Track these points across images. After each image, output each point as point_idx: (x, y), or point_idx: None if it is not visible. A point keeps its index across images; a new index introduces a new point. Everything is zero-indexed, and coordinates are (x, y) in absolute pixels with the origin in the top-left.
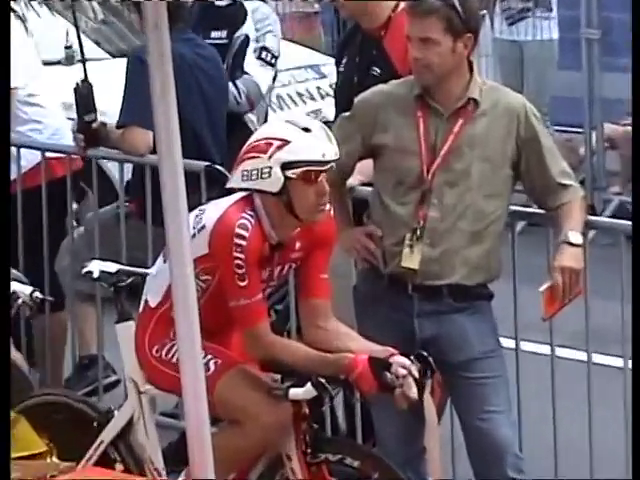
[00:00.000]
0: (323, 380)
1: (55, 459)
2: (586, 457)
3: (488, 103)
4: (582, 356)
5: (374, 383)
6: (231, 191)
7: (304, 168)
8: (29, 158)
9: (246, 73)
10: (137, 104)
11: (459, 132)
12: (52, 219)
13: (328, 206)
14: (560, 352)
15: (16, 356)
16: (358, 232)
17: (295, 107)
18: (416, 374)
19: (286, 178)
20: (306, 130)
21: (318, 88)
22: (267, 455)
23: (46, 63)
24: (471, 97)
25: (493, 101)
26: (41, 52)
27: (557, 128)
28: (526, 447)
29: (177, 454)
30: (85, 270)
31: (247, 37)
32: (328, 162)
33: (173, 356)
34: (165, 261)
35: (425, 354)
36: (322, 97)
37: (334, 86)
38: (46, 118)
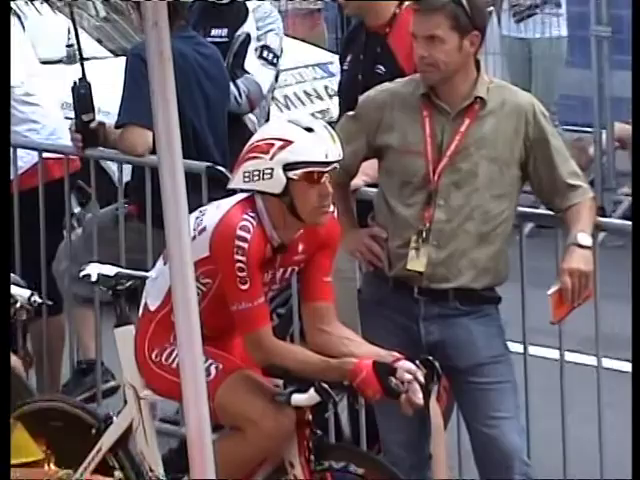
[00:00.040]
0: (326, 385)
1: (53, 466)
2: (596, 464)
3: (495, 102)
4: (592, 361)
5: (379, 388)
6: (232, 192)
7: (306, 169)
8: (26, 159)
9: (247, 72)
10: (136, 103)
11: (466, 132)
12: (49, 221)
13: (332, 207)
14: (569, 357)
15: (14, 361)
16: (363, 234)
17: (302, 107)
18: (422, 379)
19: (288, 179)
20: (309, 130)
21: (326, 87)
22: (269, 462)
23: (47, 62)
24: (478, 96)
25: (500, 100)
26: (42, 50)
27: (566, 127)
28: (534, 454)
29: (177, 461)
30: (83, 273)
31: (248, 35)
32: (331, 163)
33: (173, 361)
34: (165, 264)
35: (431, 359)
36: (330, 96)
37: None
38: (43, 117)
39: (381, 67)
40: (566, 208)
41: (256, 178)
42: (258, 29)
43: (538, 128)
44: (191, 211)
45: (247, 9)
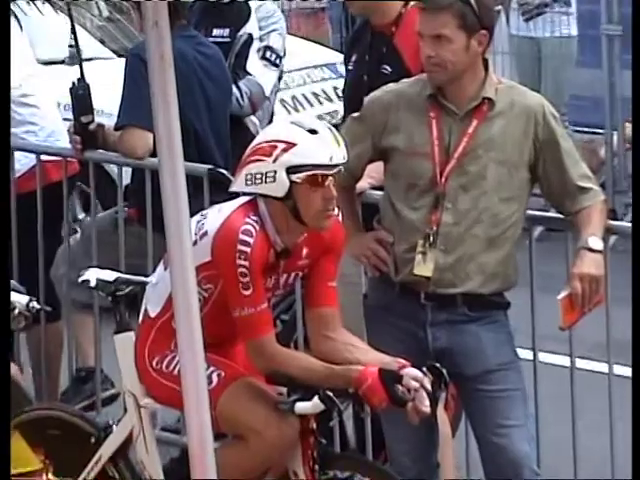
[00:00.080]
0: (331, 393)
1: (51, 476)
2: (607, 472)
3: (504, 103)
4: (603, 367)
5: (385, 396)
6: (234, 195)
7: (310, 172)
8: (23, 161)
9: (249, 74)
10: (136, 104)
11: (474, 133)
12: (48, 225)
13: (336, 211)
14: (580, 363)
15: (12, 369)
16: (368, 238)
17: (311, 108)
18: (429, 387)
19: (291, 182)
20: (312, 132)
21: (335, 88)
22: (273, 472)
23: (49, 62)
24: (486, 97)
25: (509, 101)
26: (44, 51)
27: (576, 129)
28: (544, 463)
29: (179, 471)
30: (82, 278)
31: (250, 36)
32: (335, 166)
33: (174, 368)
34: (166, 269)
35: (438, 366)
36: (339, 98)
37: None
38: (41, 119)
39: (387, 67)
40: (576, 211)
41: (259, 181)
42: (261, 29)
43: (548, 129)
44: (192, 215)
45: (249, 9)
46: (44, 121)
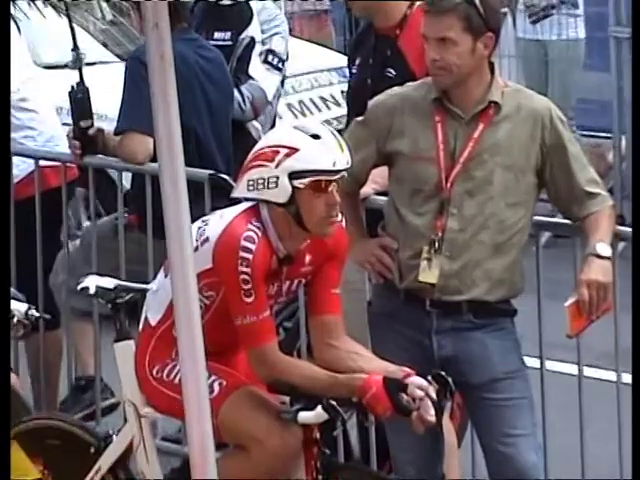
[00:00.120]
0: (335, 402)
1: None
2: None
3: (510, 107)
4: (611, 376)
5: (389, 405)
6: (236, 201)
7: (313, 178)
8: (22, 167)
9: (251, 78)
10: (136, 109)
11: (479, 137)
12: (46, 232)
13: (339, 217)
14: (588, 372)
15: (12, 379)
16: (372, 244)
17: (318, 113)
18: (434, 396)
19: (294, 188)
20: (315, 137)
21: (343, 92)
22: None
23: (53, 66)
24: (492, 100)
25: (516, 104)
26: (47, 55)
27: (584, 133)
28: (552, 473)
29: None
30: (81, 286)
31: (253, 39)
32: (339, 171)
33: (175, 377)
34: (166, 276)
35: (444, 374)
36: None
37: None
38: (40, 124)
39: (391, 70)
40: (584, 217)
41: (261, 187)
42: (263, 32)
43: (555, 134)
44: (193, 221)
45: (252, 11)
46: (43, 126)
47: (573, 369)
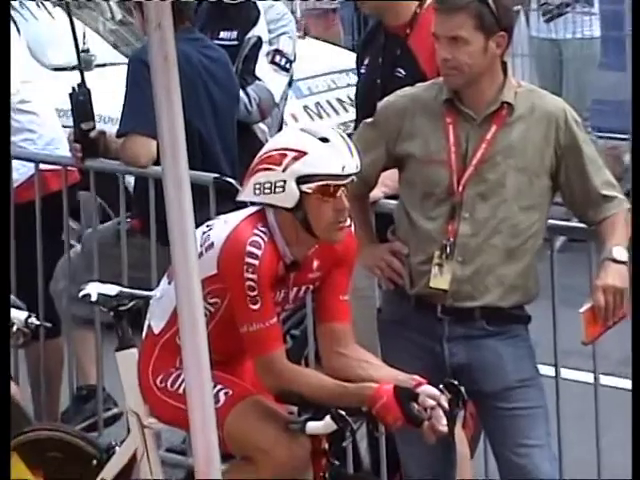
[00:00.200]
0: (344, 412)
1: None
2: None
3: (524, 107)
4: (628, 384)
5: (400, 415)
6: (242, 205)
7: (322, 182)
8: (21, 170)
9: (258, 79)
10: (139, 111)
11: (492, 139)
12: (47, 237)
13: (348, 222)
14: (604, 380)
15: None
16: (382, 249)
17: (336, 115)
18: (446, 405)
19: (302, 193)
20: (324, 140)
21: None
22: None
23: (61, 68)
24: (505, 101)
25: (529, 105)
26: (55, 57)
27: (600, 134)
28: None
29: None
30: (83, 293)
31: (259, 39)
32: (348, 176)
33: (179, 387)
34: (170, 282)
35: (456, 383)
36: None
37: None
38: (40, 127)
39: (401, 70)
40: (600, 220)
41: (267, 191)
42: (270, 32)
43: (570, 135)
44: (198, 225)
45: (258, 11)
46: (43, 128)
47: (589, 377)
